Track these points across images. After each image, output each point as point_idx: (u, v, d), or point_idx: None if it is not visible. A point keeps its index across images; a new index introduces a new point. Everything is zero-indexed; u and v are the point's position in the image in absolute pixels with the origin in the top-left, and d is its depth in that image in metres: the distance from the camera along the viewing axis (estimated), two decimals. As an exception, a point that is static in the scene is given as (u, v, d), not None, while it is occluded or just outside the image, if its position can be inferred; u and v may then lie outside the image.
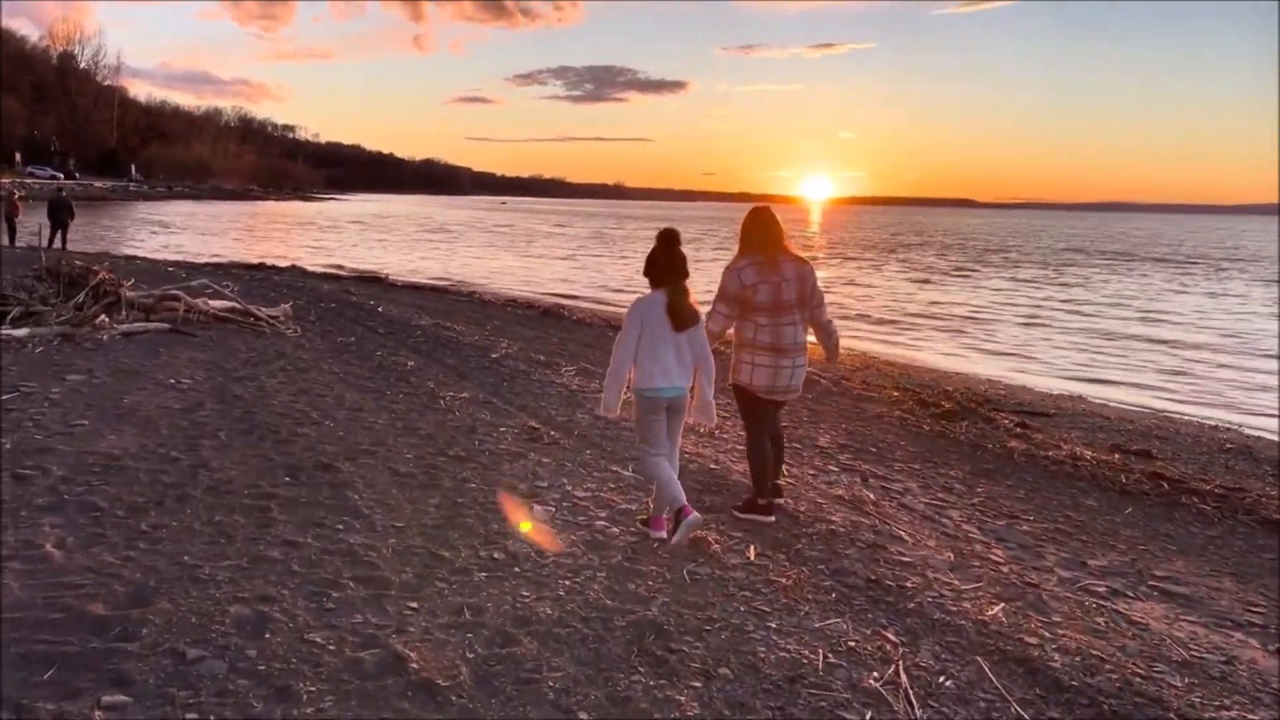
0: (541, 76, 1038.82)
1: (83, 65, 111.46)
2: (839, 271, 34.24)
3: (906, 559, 4.73)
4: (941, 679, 3.41)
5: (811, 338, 5.19)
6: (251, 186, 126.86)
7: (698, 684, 3.20)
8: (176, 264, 21.41)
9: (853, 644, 3.62)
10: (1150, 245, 70.32)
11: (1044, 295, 27.34)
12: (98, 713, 2.76)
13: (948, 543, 5.18)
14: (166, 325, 10.08)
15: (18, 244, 23.26)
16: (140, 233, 42.45)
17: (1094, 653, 3.76)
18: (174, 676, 2.99)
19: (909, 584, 4.35)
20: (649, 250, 4.54)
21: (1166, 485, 7.04)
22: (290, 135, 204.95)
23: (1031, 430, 8.90)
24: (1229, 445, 9.29)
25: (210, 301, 11.01)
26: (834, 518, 5.32)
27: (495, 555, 4.23)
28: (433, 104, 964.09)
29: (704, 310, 4.69)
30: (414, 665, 3.15)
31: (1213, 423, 10.79)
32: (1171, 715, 3.32)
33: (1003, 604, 4.23)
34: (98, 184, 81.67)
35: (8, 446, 5.40)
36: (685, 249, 4.57)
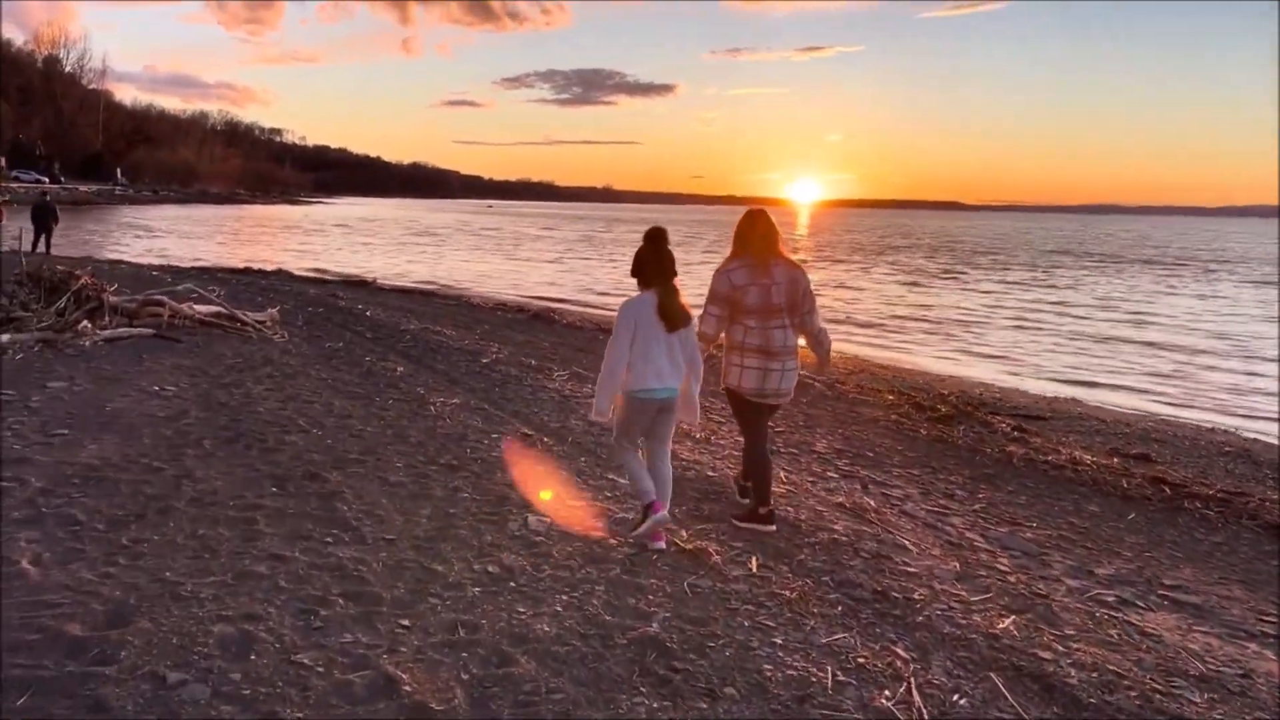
0: (529, 80, 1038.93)
1: (68, 69, 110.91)
2: (829, 274, 34.15)
3: (912, 569, 4.62)
4: (955, 697, 3.29)
5: (802, 342, 5.11)
6: (238, 190, 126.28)
7: (703, 705, 3.06)
8: (161, 268, 21.14)
9: (862, 660, 3.50)
10: (1138, 247, 70.58)
11: (1033, 297, 27.33)
12: (72, 743, 2.61)
13: (952, 552, 5.06)
14: (150, 331, 9.88)
15: (1, 249, 22.97)
16: (125, 237, 42.08)
17: (1110, 668, 3.64)
18: (154, 702, 2.83)
19: (916, 596, 4.23)
20: (636, 250, 4.44)
21: (1168, 490, 6.95)
22: (277, 139, 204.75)
23: (1029, 434, 8.80)
24: (1227, 448, 9.21)
25: (195, 306, 10.82)
26: (836, 526, 5.20)
27: (490, 569, 4.09)
28: (420, 107, 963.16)
29: (694, 311, 4.59)
30: (406, 688, 3.01)
31: (1209, 425, 10.72)
32: (1193, 733, 3.21)
33: (1013, 616, 4.11)
34: (83, 188, 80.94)
35: (-16, 457, 5.23)
36: (675, 251, 4.48)
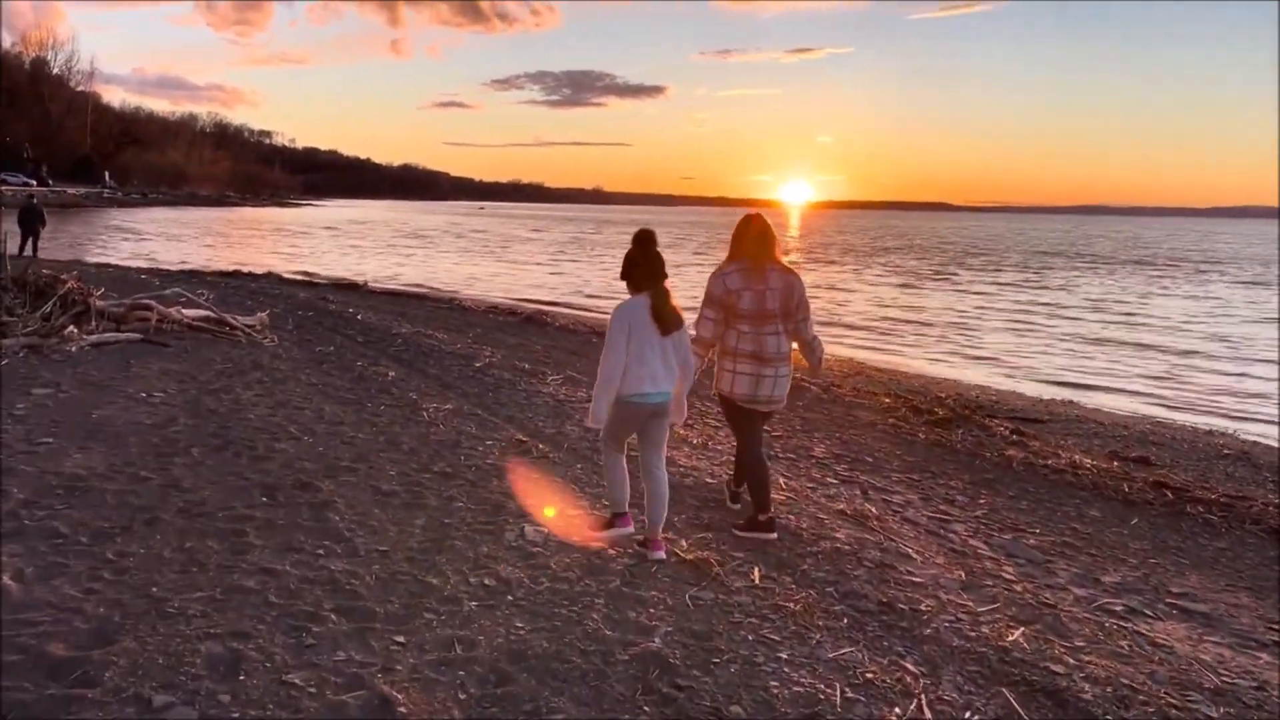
0: (519, 81, 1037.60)
1: (56, 71, 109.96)
2: (821, 276, 34.09)
3: (917, 579, 4.53)
4: (967, 714, 3.20)
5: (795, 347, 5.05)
6: (227, 193, 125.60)
7: (709, 725, 2.97)
8: (149, 271, 20.94)
9: (870, 675, 3.40)
10: (1130, 248, 70.68)
11: (1026, 299, 27.29)
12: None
13: (957, 560, 4.97)
14: (138, 336, 9.74)
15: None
16: (113, 240, 41.75)
17: (1124, 681, 3.55)
18: (139, 727, 2.73)
19: (923, 607, 4.14)
20: (625, 253, 4.35)
21: (1170, 494, 6.88)
22: (267, 141, 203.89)
23: (1028, 437, 8.73)
24: (1226, 451, 9.15)
25: (184, 310, 10.67)
26: (838, 534, 5.10)
27: (486, 581, 3.98)
28: (410, 109, 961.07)
29: (687, 315, 4.50)
30: (402, 710, 2.90)
31: (1207, 428, 10.66)
32: (1212, 750, 3.12)
33: (1022, 627, 4.03)
34: (71, 191, 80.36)
35: (-34, 467, 5.10)
36: (665, 253, 4.40)
